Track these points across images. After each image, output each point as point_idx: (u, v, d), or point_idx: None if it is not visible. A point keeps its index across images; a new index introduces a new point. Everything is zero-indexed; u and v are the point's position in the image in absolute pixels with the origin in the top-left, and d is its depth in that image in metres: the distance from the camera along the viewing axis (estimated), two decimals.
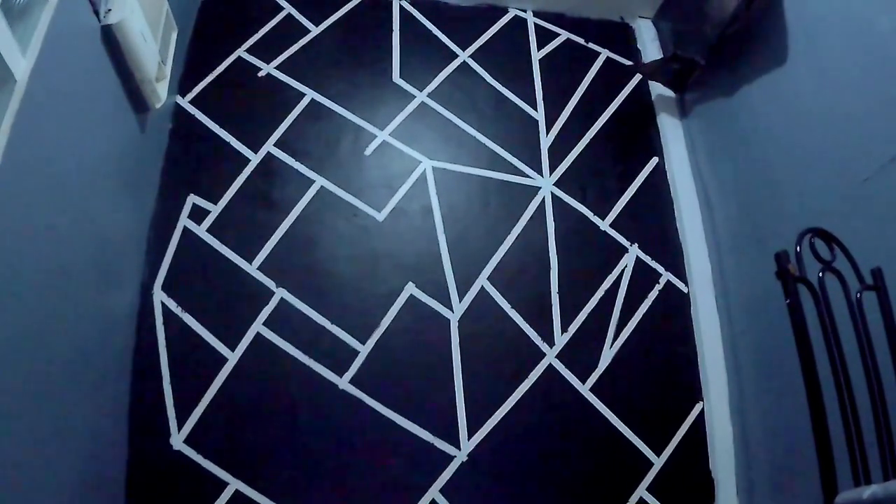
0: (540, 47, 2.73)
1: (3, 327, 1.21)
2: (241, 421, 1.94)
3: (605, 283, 2.32)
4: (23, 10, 1.27)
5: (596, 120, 2.61)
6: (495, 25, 2.74)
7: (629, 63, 2.76)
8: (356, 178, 2.31)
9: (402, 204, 2.31)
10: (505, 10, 2.80)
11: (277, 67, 2.43)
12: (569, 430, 2.12)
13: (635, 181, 2.52)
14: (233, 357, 1.99)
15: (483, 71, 2.62)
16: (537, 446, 2.08)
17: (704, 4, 2.34)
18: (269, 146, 2.29)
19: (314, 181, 2.27)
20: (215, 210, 2.17)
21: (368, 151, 2.37)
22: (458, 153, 2.44)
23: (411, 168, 2.38)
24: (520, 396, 2.11)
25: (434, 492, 1.97)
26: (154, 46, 1.81)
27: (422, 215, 2.31)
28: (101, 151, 1.68)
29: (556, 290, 2.28)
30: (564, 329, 2.23)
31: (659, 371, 2.24)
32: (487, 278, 2.25)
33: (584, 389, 2.17)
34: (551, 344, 2.20)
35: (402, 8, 2.68)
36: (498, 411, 2.08)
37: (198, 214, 2.15)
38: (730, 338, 2.24)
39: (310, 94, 2.41)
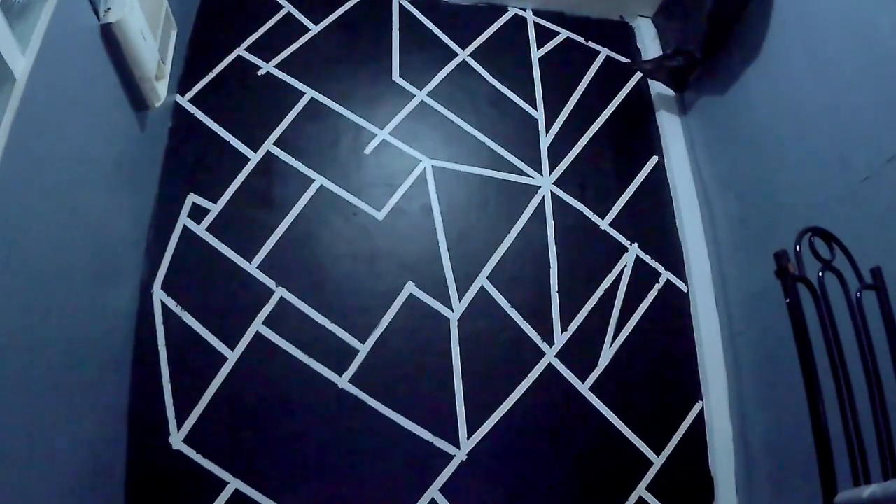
0: (540, 46, 2.73)
1: (1, 326, 1.21)
2: (240, 420, 1.94)
3: (604, 282, 2.32)
4: (22, 8, 1.27)
5: (596, 119, 2.60)
6: (495, 24, 2.74)
7: (628, 61, 2.76)
8: (356, 177, 2.31)
9: (402, 203, 2.31)
10: (505, 9, 2.79)
11: (277, 66, 2.43)
12: (568, 430, 2.12)
13: (635, 180, 2.52)
14: (232, 356, 1.99)
15: (483, 70, 2.61)
16: (537, 445, 2.08)
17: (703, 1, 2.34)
18: (268, 145, 2.29)
19: (314, 180, 2.27)
20: (215, 209, 2.17)
21: (368, 150, 2.37)
22: (458, 152, 2.44)
23: (411, 167, 2.38)
24: (519, 396, 2.11)
25: (434, 491, 1.97)
26: (154, 45, 1.80)
27: (421, 214, 2.31)
28: (101, 150, 1.68)
29: (556, 290, 2.28)
30: (564, 328, 2.23)
31: (658, 370, 2.24)
32: (487, 277, 2.25)
33: (584, 389, 2.17)
34: (551, 343, 2.20)
35: (401, 6, 2.68)
36: (497, 410, 2.09)
37: (197, 213, 2.15)
38: (729, 337, 2.24)
39: (309, 93, 2.41)
